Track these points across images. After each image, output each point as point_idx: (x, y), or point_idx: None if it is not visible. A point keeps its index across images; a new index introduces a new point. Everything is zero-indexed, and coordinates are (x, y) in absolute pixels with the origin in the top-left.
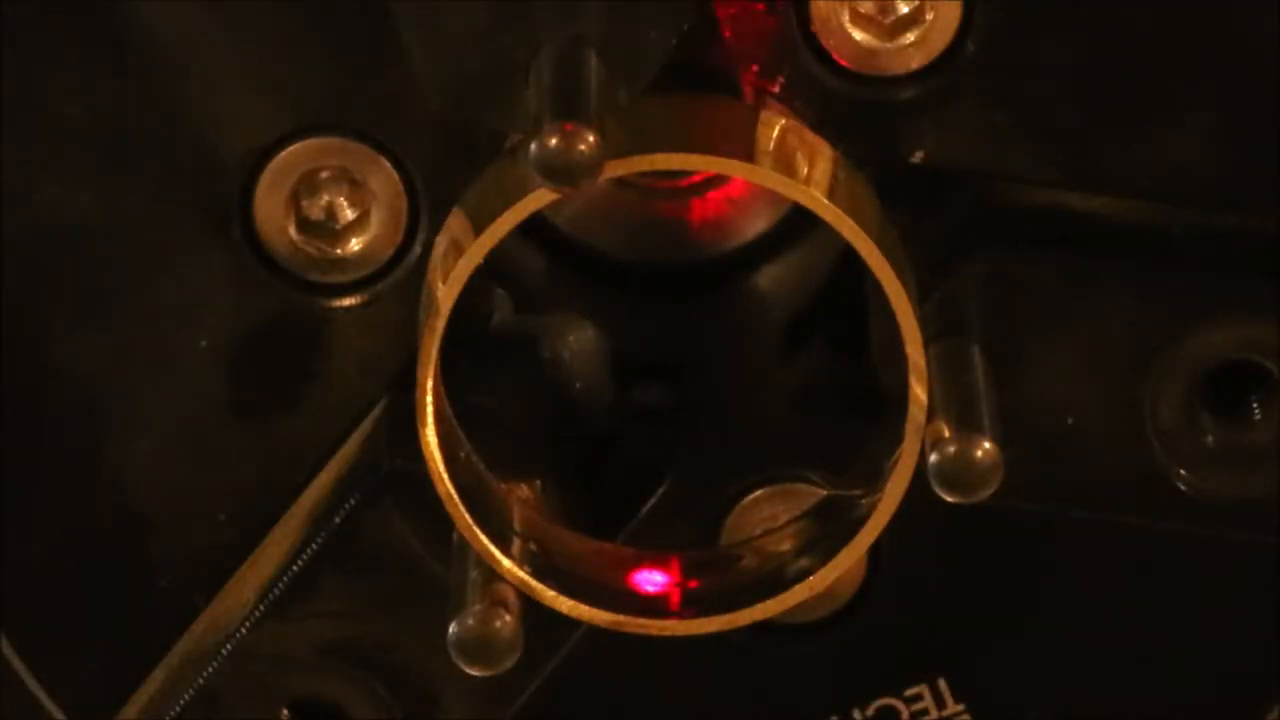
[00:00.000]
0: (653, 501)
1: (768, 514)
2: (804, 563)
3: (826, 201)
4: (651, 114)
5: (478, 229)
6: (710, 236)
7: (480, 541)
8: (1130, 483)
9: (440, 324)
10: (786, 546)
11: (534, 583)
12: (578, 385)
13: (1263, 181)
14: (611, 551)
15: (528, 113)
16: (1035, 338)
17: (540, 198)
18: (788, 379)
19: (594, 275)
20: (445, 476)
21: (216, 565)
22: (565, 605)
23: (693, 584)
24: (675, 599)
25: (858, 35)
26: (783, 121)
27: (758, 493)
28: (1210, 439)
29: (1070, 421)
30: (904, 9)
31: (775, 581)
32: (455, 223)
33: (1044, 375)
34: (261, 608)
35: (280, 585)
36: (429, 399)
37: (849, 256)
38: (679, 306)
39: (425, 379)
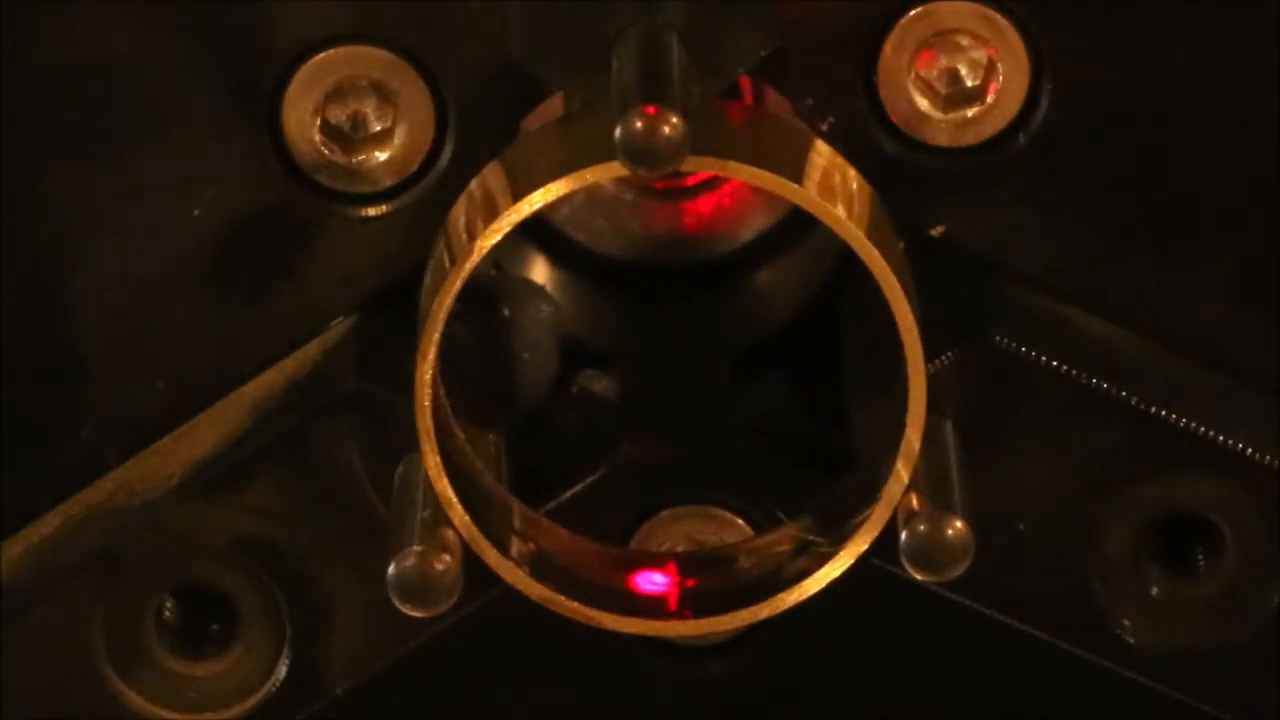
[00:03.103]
0: (576, 490)
1: (682, 531)
2: (800, 564)
3: (873, 250)
4: (719, 118)
5: (518, 188)
6: (693, 240)
7: (473, 534)
8: (1065, 607)
9: (466, 270)
10: (784, 548)
11: (534, 583)
12: (525, 354)
13: (1260, 351)
14: (610, 552)
15: (610, 91)
16: (1008, 434)
17: (604, 170)
18: (739, 406)
19: (572, 263)
20: (440, 463)
21: (139, 429)
22: (565, 605)
23: (690, 584)
24: (674, 599)
25: (917, 98)
26: (830, 152)
27: (680, 508)
28: (1154, 588)
29: (1020, 528)
30: (969, 83)
31: (772, 583)
32: (492, 176)
33: (1007, 473)
34: (189, 485)
35: (214, 469)
36: (428, 382)
37: (820, 305)
38: (652, 306)
39: (436, 317)
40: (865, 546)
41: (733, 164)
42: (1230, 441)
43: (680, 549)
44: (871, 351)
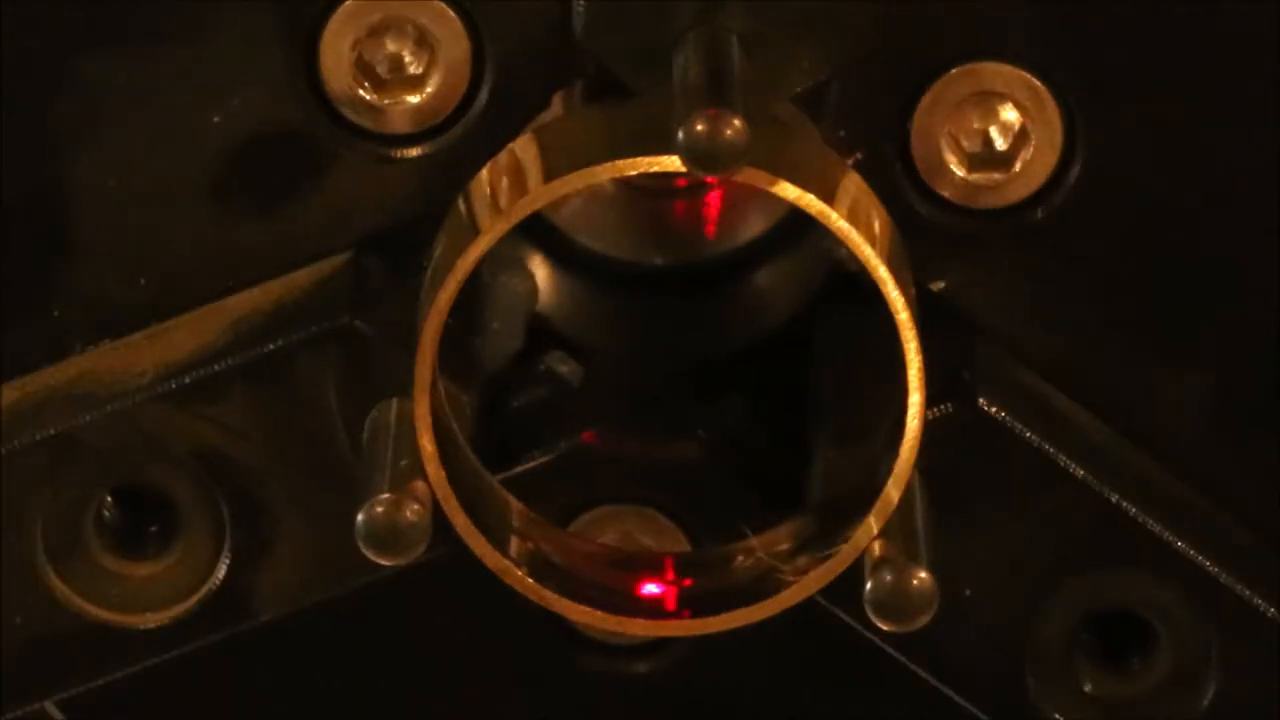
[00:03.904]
0: (522, 468)
1: (619, 529)
2: (799, 564)
3: (896, 291)
4: (766, 130)
5: (551, 165)
6: (677, 241)
7: (474, 537)
8: (995, 682)
9: (496, 234)
10: (782, 547)
11: (533, 583)
12: (495, 324)
13: (1224, 469)
14: (609, 552)
15: (672, 89)
16: (973, 498)
17: (658, 162)
18: (700, 415)
19: (553, 250)
20: (427, 415)
21: (113, 321)
22: (563, 605)
23: (688, 583)
24: (671, 599)
25: (946, 153)
26: (860, 183)
27: (621, 505)
28: (1085, 681)
29: (966, 593)
30: (998, 147)
31: (770, 583)
32: (524, 148)
33: (964, 536)
34: (161, 387)
35: (189, 376)
36: (429, 361)
37: (795, 331)
38: (629, 302)
39: (451, 287)
40: (820, 586)
41: (782, 182)
42: (1182, 547)
43: (611, 545)
44: (850, 389)
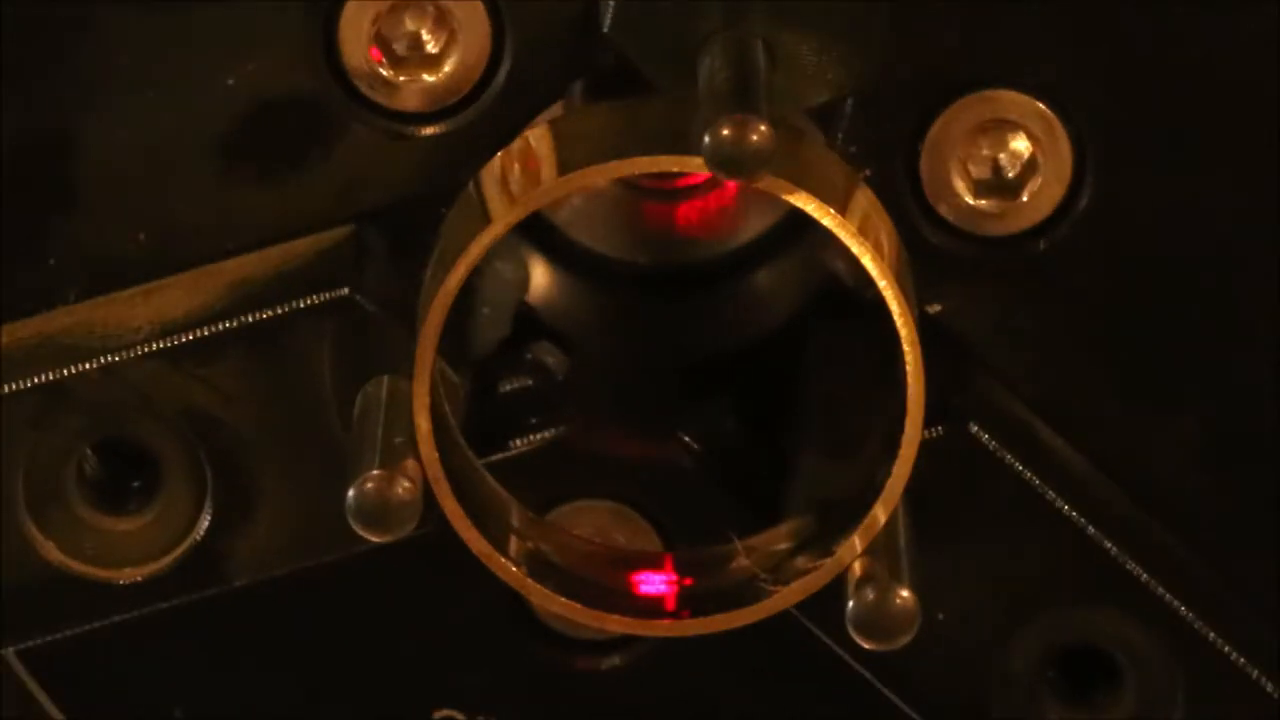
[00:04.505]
0: (502, 455)
1: (592, 524)
2: (798, 563)
3: (909, 313)
4: (785, 137)
5: (566, 157)
6: (670, 242)
7: (473, 535)
8: (959, 711)
9: (510, 220)
10: (782, 546)
11: (532, 582)
12: (485, 309)
13: (1208, 517)
14: (608, 552)
15: (699, 94)
16: (955, 523)
17: (653, 163)
18: (682, 416)
19: (548, 247)
20: (426, 394)
21: (105, 273)
22: (563, 605)
23: (688, 583)
24: (671, 599)
25: (954, 178)
26: (872, 198)
27: (596, 501)
28: (1051, 716)
29: (940, 617)
30: (1007, 175)
31: (770, 582)
32: (538, 138)
33: (942, 560)
34: (156, 344)
35: (185, 335)
36: (435, 340)
37: (787, 340)
38: (621, 301)
39: (461, 270)
40: (801, 598)
41: (802, 192)
42: (1160, 591)
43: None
44: (838, 403)
